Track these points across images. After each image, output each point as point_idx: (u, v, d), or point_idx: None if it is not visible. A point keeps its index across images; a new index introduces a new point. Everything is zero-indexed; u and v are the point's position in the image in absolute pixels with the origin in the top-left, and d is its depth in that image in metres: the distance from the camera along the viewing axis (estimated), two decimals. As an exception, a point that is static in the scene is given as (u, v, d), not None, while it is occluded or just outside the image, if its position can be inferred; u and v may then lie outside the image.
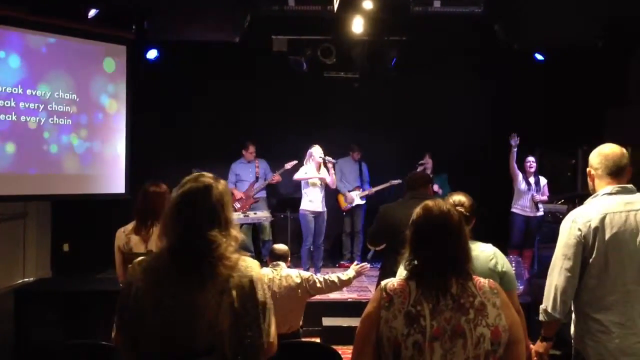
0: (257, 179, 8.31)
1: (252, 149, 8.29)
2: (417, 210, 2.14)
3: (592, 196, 2.80)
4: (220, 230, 2.02)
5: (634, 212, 2.66)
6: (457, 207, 2.95)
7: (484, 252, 2.96)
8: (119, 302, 2.03)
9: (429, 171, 8.04)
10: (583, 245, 2.67)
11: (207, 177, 2.12)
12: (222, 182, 2.15)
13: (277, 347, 2.11)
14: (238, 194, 8.20)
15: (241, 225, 8.26)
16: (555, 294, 2.72)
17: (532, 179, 7.71)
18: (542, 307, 2.80)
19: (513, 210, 7.80)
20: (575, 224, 2.70)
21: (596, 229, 2.64)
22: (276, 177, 8.19)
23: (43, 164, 6.99)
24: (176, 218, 2.03)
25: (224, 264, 1.98)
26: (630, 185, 2.76)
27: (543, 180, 7.79)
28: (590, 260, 2.66)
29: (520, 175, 7.71)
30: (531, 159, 7.71)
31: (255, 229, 8.52)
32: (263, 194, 8.43)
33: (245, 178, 8.32)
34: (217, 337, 1.92)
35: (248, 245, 8.46)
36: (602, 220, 2.65)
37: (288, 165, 7.93)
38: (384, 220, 4.13)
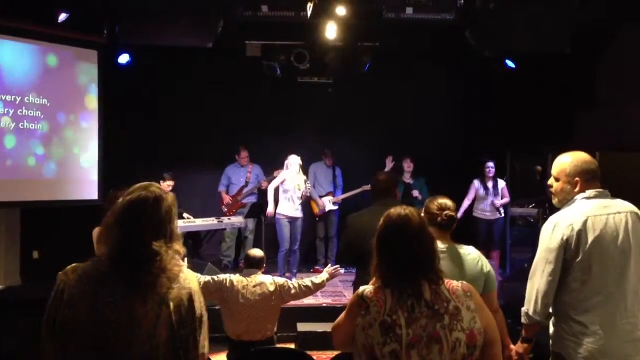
0: (247, 183, 8.28)
1: (243, 154, 8.31)
2: (381, 219, 2.19)
3: (569, 201, 2.83)
4: (165, 242, 1.99)
5: (612, 215, 2.71)
6: (445, 211, 2.98)
7: (470, 255, 2.99)
8: (48, 309, 1.96)
9: (408, 175, 8.10)
10: (565, 249, 2.69)
11: (156, 187, 2.08)
12: (170, 194, 2.12)
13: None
14: (226, 198, 8.19)
15: (215, 231, 8.22)
16: (537, 297, 2.75)
17: (490, 183, 7.81)
18: (523, 309, 2.83)
19: (474, 214, 7.93)
20: (558, 227, 2.73)
21: (579, 232, 2.68)
22: (265, 184, 8.13)
23: (11, 169, 6.87)
24: (121, 225, 1.98)
25: (166, 276, 1.96)
26: (605, 190, 2.81)
27: (501, 183, 7.88)
28: (574, 263, 2.69)
29: (476, 183, 7.84)
30: (490, 164, 7.80)
31: (240, 234, 8.46)
32: (254, 199, 8.38)
33: (236, 182, 8.34)
34: (153, 349, 1.90)
35: (228, 251, 8.40)
36: (585, 223, 2.69)
37: (277, 173, 7.87)
38: (352, 231, 3.99)
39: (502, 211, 7.84)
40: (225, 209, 8.15)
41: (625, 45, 7.40)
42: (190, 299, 1.99)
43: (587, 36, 7.03)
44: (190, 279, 2.03)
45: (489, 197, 7.79)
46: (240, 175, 8.35)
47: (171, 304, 1.94)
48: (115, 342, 1.88)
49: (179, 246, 2.05)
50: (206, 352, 2.04)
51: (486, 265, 3.01)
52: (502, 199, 7.81)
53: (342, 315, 2.16)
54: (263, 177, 8.33)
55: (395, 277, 2.05)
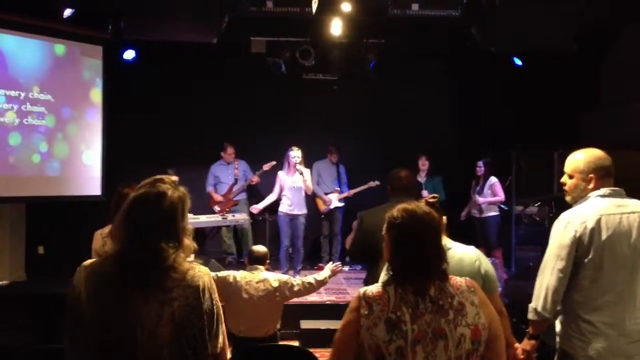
0: (236, 180, 8.22)
1: (230, 150, 8.21)
2: (396, 212, 2.12)
3: (583, 198, 2.80)
4: (170, 240, 1.94)
5: (626, 215, 2.70)
6: (430, 199, 2.91)
7: (467, 254, 2.87)
8: (66, 305, 1.96)
9: (424, 173, 8.09)
10: (577, 246, 2.68)
11: (165, 182, 2.02)
12: (181, 189, 2.04)
13: (227, 356, 2.07)
14: (217, 197, 8.12)
15: (220, 227, 8.20)
16: (547, 294, 2.73)
17: (480, 182, 7.79)
18: (531, 305, 2.81)
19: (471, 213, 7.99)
20: (570, 225, 2.70)
21: (592, 230, 2.66)
22: (255, 179, 8.11)
23: (15, 166, 6.87)
24: (126, 223, 1.95)
25: (170, 275, 1.92)
26: (620, 189, 2.79)
27: (492, 180, 7.71)
28: (585, 261, 2.67)
29: (473, 183, 7.90)
30: (479, 163, 7.77)
31: (236, 231, 8.44)
32: (244, 196, 8.34)
33: (225, 180, 8.22)
34: (157, 349, 1.87)
35: (231, 249, 8.39)
36: (598, 221, 2.67)
37: (266, 167, 7.87)
38: (366, 228, 3.86)
39: (484, 208, 7.70)
40: (218, 209, 8.02)
41: (628, 45, 7.39)
42: (197, 297, 1.94)
43: (591, 36, 7.01)
44: (199, 276, 1.98)
45: (475, 195, 7.79)
46: (228, 173, 8.23)
47: (175, 304, 1.90)
48: (119, 341, 1.87)
49: (188, 242, 2.01)
50: (220, 350, 1.99)
51: (486, 266, 2.88)
52: (493, 196, 7.66)
53: (342, 322, 2.09)
54: (251, 173, 8.26)
55: (407, 272, 2.03)
